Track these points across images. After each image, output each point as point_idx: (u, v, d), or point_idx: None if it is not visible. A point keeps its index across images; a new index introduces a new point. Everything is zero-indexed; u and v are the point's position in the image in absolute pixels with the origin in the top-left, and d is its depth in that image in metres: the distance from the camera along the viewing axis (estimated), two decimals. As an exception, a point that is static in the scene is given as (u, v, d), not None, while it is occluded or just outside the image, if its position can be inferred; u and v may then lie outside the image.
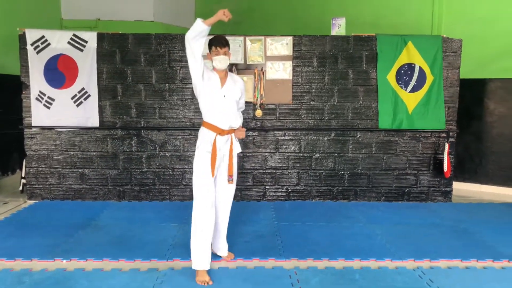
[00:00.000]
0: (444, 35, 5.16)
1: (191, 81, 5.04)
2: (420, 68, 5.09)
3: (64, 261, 3.36)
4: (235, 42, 5.03)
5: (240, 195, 5.21)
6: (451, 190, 5.28)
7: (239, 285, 3.01)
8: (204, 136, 3.14)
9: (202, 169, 3.09)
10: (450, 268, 3.35)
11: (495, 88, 5.84)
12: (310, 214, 4.69)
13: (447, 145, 5.10)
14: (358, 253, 3.58)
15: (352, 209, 4.89)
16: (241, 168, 5.18)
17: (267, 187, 5.25)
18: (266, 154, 5.21)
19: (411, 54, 5.08)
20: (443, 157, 5.12)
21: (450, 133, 5.16)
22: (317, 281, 3.06)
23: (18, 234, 3.93)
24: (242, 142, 5.14)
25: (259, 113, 5.10)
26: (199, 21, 2.94)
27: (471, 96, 5.88)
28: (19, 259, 3.36)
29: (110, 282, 3.00)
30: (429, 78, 5.10)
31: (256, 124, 5.16)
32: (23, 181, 5.29)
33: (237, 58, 5.06)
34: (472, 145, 6.03)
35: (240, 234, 3.95)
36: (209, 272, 3.11)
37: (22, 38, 4.99)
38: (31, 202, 5.08)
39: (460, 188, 5.90)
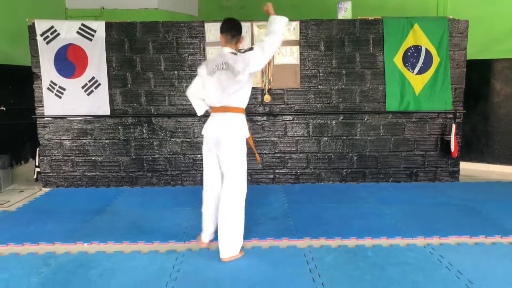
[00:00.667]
0: (450, 17, 5.17)
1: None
2: (427, 50, 5.12)
3: (85, 244, 3.47)
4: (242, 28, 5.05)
5: (250, 179, 5.31)
6: (459, 170, 5.36)
7: (256, 264, 3.11)
8: (245, 123, 3.27)
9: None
10: (460, 244, 3.44)
11: (501, 68, 5.87)
12: (320, 196, 4.78)
13: (454, 126, 5.15)
14: (369, 232, 3.68)
15: (361, 191, 4.98)
16: (250, 152, 5.25)
17: (277, 170, 5.34)
18: (275, 138, 5.28)
19: (417, 36, 5.11)
20: (450, 137, 5.18)
21: (457, 114, 5.22)
22: (332, 259, 3.16)
23: (38, 220, 4.05)
24: (251, 126, 5.22)
25: (267, 98, 5.16)
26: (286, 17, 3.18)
27: (478, 77, 5.92)
28: (42, 243, 3.49)
29: (131, 264, 3.11)
30: (436, 60, 5.13)
31: (264, 109, 5.22)
32: (37, 169, 5.41)
33: (244, 44, 5.10)
34: (479, 126, 6.08)
35: (252, 217, 4.03)
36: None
37: (31, 29, 5.04)
38: (47, 189, 5.19)
39: (467, 168, 5.97)
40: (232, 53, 3.20)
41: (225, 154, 3.16)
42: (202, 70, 3.31)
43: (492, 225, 3.84)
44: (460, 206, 4.38)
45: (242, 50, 3.22)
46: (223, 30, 3.26)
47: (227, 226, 3.12)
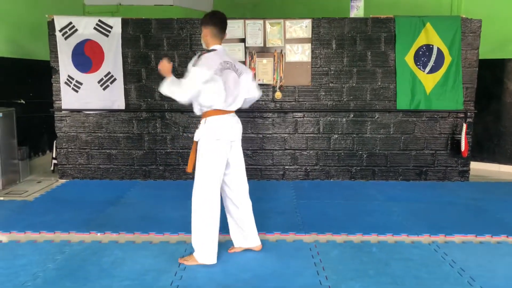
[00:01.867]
0: (463, 16, 5.17)
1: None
2: (439, 49, 5.12)
3: (99, 234, 3.61)
4: (254, 25, 5.15)
5: (260, 175, 5.40)
6: (469, 170, 5.36)
7: (262, 256, 3.19)
8: None
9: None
10: (465, 242, 3.48)
11: (514, 68, 5.84)
12: (328, 193, 4.85)
13: (464, 125, 5.15)
14: (375, 228, 3.73)
15: (370, 188, 5.03)
16: (261, 148, 5.35)
17: (287, 167, 5.41)
18: (286, 135, 5.36)
19: (429, 35, 5.12)
20: (460, 137, 5.18)
21: (468, 114, 5.21)
22: (337, 253, 3.23)
23: (54, 210, 4.21)
24: (262, 122, 5.30)
25: (278, 95, 5.23)
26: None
27: (491, 77, 5.90)
28: (58, 232, 3.63)
29: (142, 253, 3.23)
30: (447, 59, 5.13)
31: (275, 106, 5.30)
32: (54, 161, 5.57)
33: (257, 41, 5.18)
34: (490, 125, 6.06)
35: (260, 211, 4.08)
36: (232, 244, 3.30)
37: (51, 25, 5.20)
38: (63, 181, 5.36)
39: (478, 168, 5.95)
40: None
41: (238, 154, 3.16)
42: (209, 72, 2.88)
43: (498, 224, 3.86)
44: (468, 205, 4.40)
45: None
46: (215, 23, 3.03)
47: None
